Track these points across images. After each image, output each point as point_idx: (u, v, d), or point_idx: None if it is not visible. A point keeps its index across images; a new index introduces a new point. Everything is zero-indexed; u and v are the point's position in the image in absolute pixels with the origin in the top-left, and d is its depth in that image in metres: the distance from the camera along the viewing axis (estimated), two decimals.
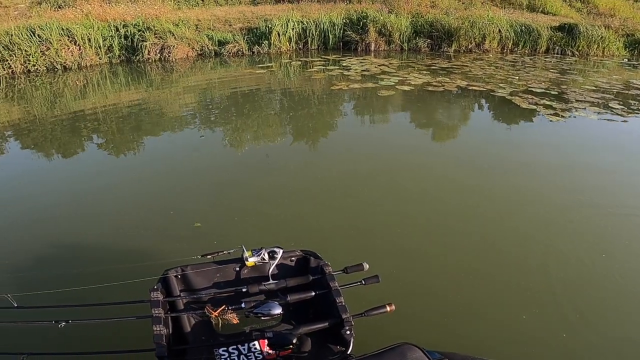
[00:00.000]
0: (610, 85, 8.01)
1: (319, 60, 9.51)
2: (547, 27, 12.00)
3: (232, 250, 1.84)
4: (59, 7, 12.12)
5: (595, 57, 11.54)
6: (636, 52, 12.14)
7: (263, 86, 7.76)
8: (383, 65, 8.91)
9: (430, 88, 7.14)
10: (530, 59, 10.58)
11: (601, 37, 11.81)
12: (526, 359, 2.18)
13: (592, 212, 3.56)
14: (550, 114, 6.11)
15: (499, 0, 14.28)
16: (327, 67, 8.73)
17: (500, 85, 7.54)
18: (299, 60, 9.62)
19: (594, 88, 7.75)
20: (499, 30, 11.57)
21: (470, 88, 7.29)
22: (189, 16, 11.30)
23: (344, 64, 8.99)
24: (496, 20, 11.69)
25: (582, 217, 3.49)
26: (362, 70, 8.33)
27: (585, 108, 6.49)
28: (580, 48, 11.68)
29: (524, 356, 2.19)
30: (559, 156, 4.81)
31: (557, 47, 11.78)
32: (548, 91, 7.32)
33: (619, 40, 12.19)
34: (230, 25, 11.50)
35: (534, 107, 6.40)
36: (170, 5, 12.27)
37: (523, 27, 11.80)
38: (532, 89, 7.37)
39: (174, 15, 11.17)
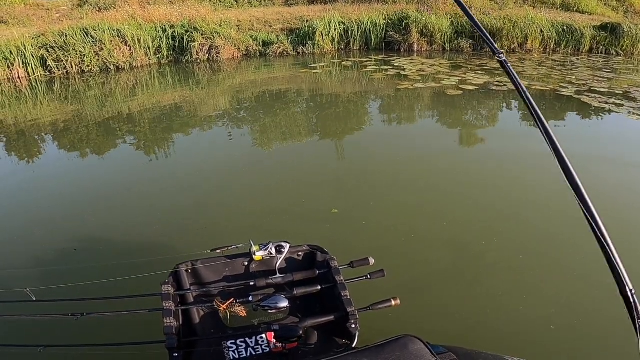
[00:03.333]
0: None
1: (369, 61, 9.51)
2: (590, 27, 11.82)
3: (240, 245, 1.86)
4: (100, 9, 12.34)
5: None
6: None
7: (328, 87, 7.79)
8: (434, 65, 8.86)
9: (494, 87, 7.08)
10: (577, 59, 10.43)
11: None
12: (532, 354, 2.13)
13: None
14: (628, 113, 6.01)
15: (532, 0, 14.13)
16: (381, 67, 8.72)
17: (562, 84, 7.44)
18: (349, 61, 9.63)
19: None
20: (541, 31, 11.44)
21: (534, 87, 7.21)
22: (229, 17, 11.40)
23: (395, 64, 8.97)
24: (537, 20, 11.56)
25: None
26: (417, 70, 8.30)
27: None
28: (624, 47, 11.48)
29: (530, 350, 2.14)
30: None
31: (601, 47, 11.58)
32: (612, 90, 7.20)
33: None
34: (270, 26, 11.56)
35: (605, 105, 6.29)
36: (207, 7, 12.39)
37: (565, 27, 11.64)
38: (595, 89, 7.25)
39: (215, 16, 11.26)
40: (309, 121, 6.05)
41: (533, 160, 4.34)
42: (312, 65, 9.16)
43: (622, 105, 6.36)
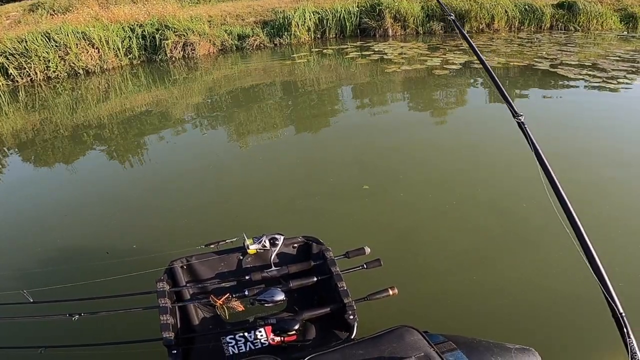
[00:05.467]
0: (630, 55, 8.41)
1: (348, 47, 9.54)
2: (549, 5, 12.44)
3: (234, 239, 1.86)
4: (54, 13, 11.59)
5: (596, 31, 12.05)
6: (631, 25, 12.75)
7: (316, 75, 7.69)
8: (413, 48, 9.02)
9: (475, 65, 7.32)
10: (541, 36, 10.95)
11: (599, 13, 12.34)
12: (534, 341, 2.07)
13: None
14: (603, 82, 6.40)
15: None
16: (362, 53, 8.76)
17: (535, 59, 7.80)
18: (329, 49, 9.62)
19: (618, 58, 8.12)
20: (505, 11, 11.92)
21: (512, 63, 7.51)
22: (199, 13, 11.04)
23: (375, 49, 9.05)
24: (501, 1, 12.03)
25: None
26: (398, 54, 8.42)
27: (624, 75, 6.82)
28: (581, 23, 12.18)
29: (532, 338, 2.08)
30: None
31: (560, 24, 12.23)
32: (581, 63, 7.63)
33: (615, 15, 12.81)
34: (242, 19, 11.31)
35: (580, 76, 6.67)
36: (173, 4, 11.93)
37: (527, 7, 12.19)
38: (567, 62, 7.66)
39: (183, 12, 10.87)
40: (304, 110, 6.00)
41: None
42: (294, 56, 9.07)
43: (596, 75, 6.77)
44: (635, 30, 12.25)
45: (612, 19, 12.48)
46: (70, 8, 11.59)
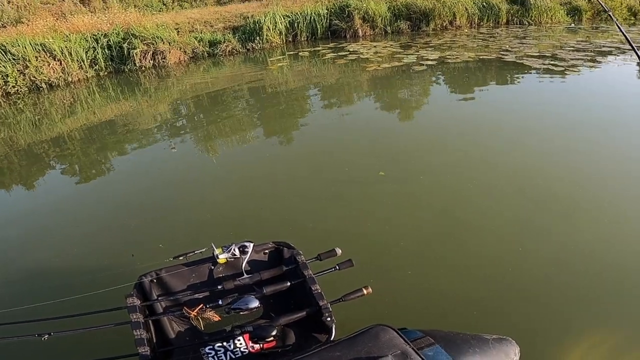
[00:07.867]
0: (582, 46, 9.10)
1: (323, 49, 9.62)
2: (504, 1, 13.22)
3: (203, 250, 1.87)
4: (4, 26, 10.85)
5: (547, 24, 12.92)
6: (576, 17, 13.80)
7: (300, 78, 7.67)
8: (386, 47, 9.25)
9: (449, 60, 7.63)
10: (500, 30, 11.59)
11: (548, 7, 13.26)
12: (509, 331, 2.02)
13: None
14: (564, 70, 6.88)
15: None
16: (339, 54, 8.87)
17: (501, 53, 8.25)
18: (305, 51, 9.65)
19: (572, 48, 8.76)
20: (466, 8, 12.52)
21: (481, 57, 7.90)
22: (165, 21, 10.72)
23: (349, 50, 9.19)
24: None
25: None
26: (374, 53, 8.60)
27: (582, 63, 7.38)
28: (533, 17, 13.03)
29: (507, 328, 2.05)
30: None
31: (515, 19, 13.02)
32: (542, 54, 8.16)
33: (562, 9, 13.81)
34: (211, 26, 11.10)
35: (544, 66, 7.14)
36: (134, 13, 11.51)
37: (484, 4, 12.87)
38: (530, 54, 8.17)
39: (148, 20, 10.51)
40: (294, 111, 5.99)
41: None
42: (271, 60, 9.03)
43: (557, 64, 7.28)
44: (581, 22, 13.25)
45: (559, 13, 13.44)
46: (22, 20, 10.88)
